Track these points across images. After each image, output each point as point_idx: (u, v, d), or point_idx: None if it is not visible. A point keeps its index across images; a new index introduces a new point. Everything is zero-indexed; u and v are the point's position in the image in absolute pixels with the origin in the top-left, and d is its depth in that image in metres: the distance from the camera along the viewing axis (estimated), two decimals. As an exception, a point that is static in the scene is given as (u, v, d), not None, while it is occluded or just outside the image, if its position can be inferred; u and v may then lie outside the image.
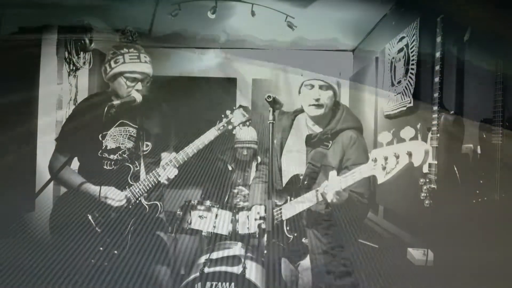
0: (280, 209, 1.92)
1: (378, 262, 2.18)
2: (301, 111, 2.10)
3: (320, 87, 1.91)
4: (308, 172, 1.91)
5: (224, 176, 3.31)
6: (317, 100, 1.90)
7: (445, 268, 1.99)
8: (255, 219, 2.03)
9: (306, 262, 1.97)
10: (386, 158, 1.40)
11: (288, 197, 1.92)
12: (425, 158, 1.31)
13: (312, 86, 1.92)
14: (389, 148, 1.40)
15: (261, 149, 3.41)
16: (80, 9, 3.14)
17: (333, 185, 1.59)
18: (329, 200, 1.63)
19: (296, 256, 2.01)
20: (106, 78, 2.06)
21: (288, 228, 1.89)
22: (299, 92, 2.01)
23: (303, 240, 1.96)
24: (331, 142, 1.91)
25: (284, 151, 2.05)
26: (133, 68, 1.99)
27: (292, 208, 1.88)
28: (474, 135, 1.80)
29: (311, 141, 1.94)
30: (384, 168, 1.41)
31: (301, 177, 1.92)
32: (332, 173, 1.63)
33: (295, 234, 1.89)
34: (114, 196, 1.95)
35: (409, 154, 1.34)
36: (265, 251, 1.78)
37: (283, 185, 2.01)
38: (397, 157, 1.37)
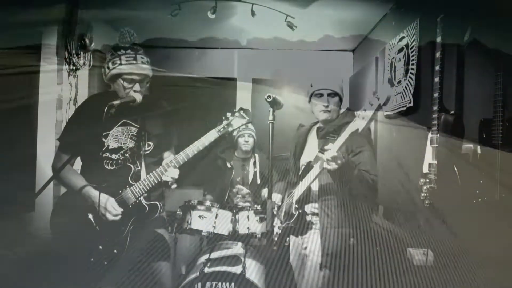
0: (292, 192, 2.11)
1: (378, 262, 2.18)
2: (315, 123, 2.33)
3: (329, 94, 2.18)
4: (318, 156, 2.06)
5: (223, 175, 3.31)
6: (327, 106, 2.15)
7: (445, 268, 1.99)
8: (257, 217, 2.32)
9: (313, 245, 2.10)
10: (364, 110, 1.79)
11: (300, 181, 2.10)
12: (387, 100, 1.78)
13: (322, 95, 2.18)
14: (367, 101, 1.77)
15: (260, 147, 3.42)
16: (81, 8, 3.15)
17: (329, 152, 1.82)
18: (328, 166, 1.83)
19: (301, 230, 2.18)
20: (106, 79, 2.07)
21: (296, 206, 2.08)
22: (309, 101, 2.25)
23: (310, 216, 2.11)
24: (338, 133, 2.06)
25: (302, 156, 2.26)
26: (130, 69, 1.99)
27: (300, 187, 2.07)
28: (474, 135, 1.80)
29: (320, 133, 2.17)
30: (363, 118, 1.77)
31: (312, 163, 2.08)
32: (327, 146, 1.86)
33: (300, 211, 2.08)
34: (112, 210, 1.95)
35: (378, 98, 1.76)
36: (275, 245, 1.98)
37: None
38: (371, 104, 1.77)
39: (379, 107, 1.77)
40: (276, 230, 2.02)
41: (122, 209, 1.97)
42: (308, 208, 2.14)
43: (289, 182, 2.35)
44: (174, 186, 2.01)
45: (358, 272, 1.97)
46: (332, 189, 2.06)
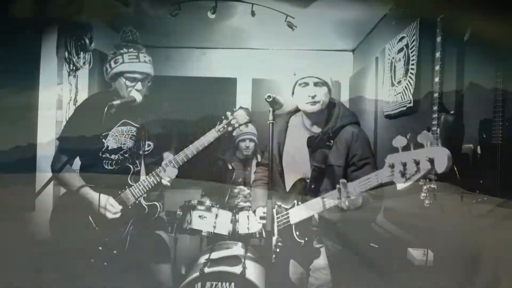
0: (288, 212, 1.90)
1: (378, 262, 2.17)
2: (295, 111, 2.08)
3: (315, 84, 1.90)
4: (314, 174, 1.88)
5: (224, 176, 3.32)
6: (313, 97, 1.88)
7: (445, 268, 1.99)
8: (260, 218, 2.00)
9: (319, 262, 1.95)
10: (404, 164, 1.36)
11: (295, 201, 1.89)
12: (449, 164, 1.27)
13: (307, 84, 1.91)
14: (407, 154, 1.36)
15: (261, 149, 3.42)
16: (80, 9, 3.15)
17: (349, 192, 1.57)
18: (345, 208, 1.63)
19: (307, 259, 2.00)
20: (107, 78, 2.07)
21: (297, 233, 1.86)
22: (293, 93, 1.98)
23: (315, 244, 1.95)
24: (332, 141, 1.89)
25: (283, 154, 2.03)
26: (132, 68, 1.99)
27: (299, 213, 1.86)
28: (474, 135, 1.80)
29: (313, 143, 1.91)
30: (403, 175, 1.37)
31: (308, 181, 1.89)
32: (343, 181, 1.59)
33: (306, 239, 1.86)
34: (111, 209, 1.94)
35: (430, 161, 1.29)
36: (277, 250, 1.83)
37: (287, 188, 1.98)
38: (417, 163, 1.32)
39: (434, 172, 1.32)
40: (273, 245, 1.85)
41: (121, 207, 1.96)
42: (311, 234, 1.92)
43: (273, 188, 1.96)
44: (167, 184, 1.97)
45: (359, 272, 1.95)
46: (334, 216, 1.86)
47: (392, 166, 1.41)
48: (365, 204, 1.71)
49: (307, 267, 2.01)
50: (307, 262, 2.00)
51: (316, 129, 1.97)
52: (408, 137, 1.37)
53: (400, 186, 1.40)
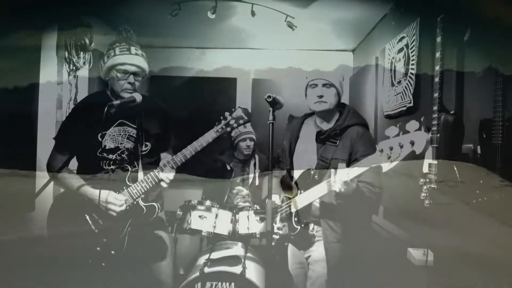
0: (290, 202, 2.01)
1: (378, 262, 2.17)
2: (310, 114, 2.21)
3: (324, 85, 2.03)
4: (318, 166, 1.98)
5: (223, 177, 3.31)
6: (321, 97, 2.01)
7: (445, 268, 1.99)
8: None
9: (317, 254, 2.01)
10: (391, 148, 1.53)
11: (299, 191, 2.00)
12: (426, 146, 1.45)
13: (316, 85, 2.04)
14: (394, 139, 1.53)
15: (260, 149, 3.42)
16: (80, 9, 3.16)
17: (341, 176, 1.69)
18: (337, 190, 1.72)
19: (303, 244, 2.08)
20: (102, 76, 2.05)
21: (296, 219, 1.98)
22: (306, 95, 2.11)
23: (313, 231, 2.01)
24: (339, 138, 1.98)
25: (294, 153, 2.14)
26: (123, 60, 1.96)
27: (301, 200, 1.96)
28: (474, 135, 1.80)
29: (320, 137, 2.02)
30: (389, 157, 1.54)
31: (312, 172, 1.98)
32: (341, 165, 1.72)
33: (302, 226, 1.97)
34: (116, 201, 1.92)
35: (412, 143, 1.47)
36: (276, 237, 1.94)
37: (293, 180, 2.08)
38: (401, 146, 1.50)
39: (413, 153, 1.49)
40: (273, 236, 1.92)
41: (125, 198, 1.95)
42: (310, 220, 2.02)
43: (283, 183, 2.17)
44: (165, 185, 1.96)
45: (359, 272, 1.95)
46: (334, 205, 1.92)
47: (381, 151, 1.57)
48: (361, 191, 1.82)
49: (304, 252, 2.09)
50: (304, 248, 2.09)
51: (325, 126, 2.08)
52: (398, 126, 1.57)
53: (385, 168, 1.56)
